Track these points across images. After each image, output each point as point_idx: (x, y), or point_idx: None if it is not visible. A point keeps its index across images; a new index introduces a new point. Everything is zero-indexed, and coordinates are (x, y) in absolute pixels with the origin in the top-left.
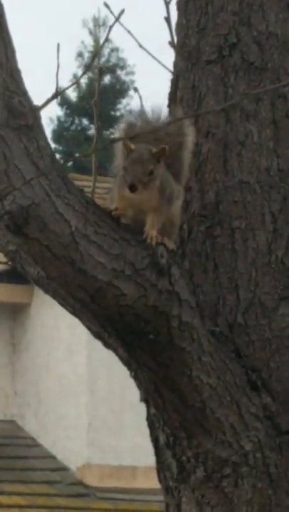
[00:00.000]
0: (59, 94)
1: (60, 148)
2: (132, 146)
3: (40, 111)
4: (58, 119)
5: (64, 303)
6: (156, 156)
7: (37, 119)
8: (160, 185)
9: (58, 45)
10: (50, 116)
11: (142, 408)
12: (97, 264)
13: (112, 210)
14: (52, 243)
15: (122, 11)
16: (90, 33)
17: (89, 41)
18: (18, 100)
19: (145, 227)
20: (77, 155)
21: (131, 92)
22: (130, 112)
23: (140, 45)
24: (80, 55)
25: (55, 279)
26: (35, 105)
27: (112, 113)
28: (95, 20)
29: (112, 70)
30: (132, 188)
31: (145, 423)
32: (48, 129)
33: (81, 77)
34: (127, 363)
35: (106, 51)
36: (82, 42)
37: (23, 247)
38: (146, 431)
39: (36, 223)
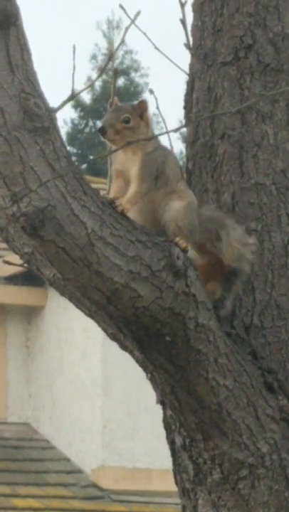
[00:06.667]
0: (75, 96)
1: (74, 150)
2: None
3: (56, 113)
4: (72, 121)
5: (80, 305)
6: (136, 109)
7: (53, 120)
8: (147, 154)
9: (74, 46)
10: (64, 119)
11: (157, 411)
12: (113, 266)
13: (113, 201)
14: (68, 245)
15: (138, 13)
16: (104, 35)
17: (103, 44)
18: (34, 102)
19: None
20: (91, 157)
21: (145, 95)
22: None
23: (156, 47)
24: (93, 57)
25: (71, 281)
26: (51, 107)
27: None
28: (109, 22)
29: (126, 72)
30: (102, 131)
31: (160, 426)
32: (62, 131)
33: (96, 79)
34: (143, 364)
35: (120, 53)
36: (96, 44)
37: (39, 249)
38: (162, 433)
39: (52, 225)
